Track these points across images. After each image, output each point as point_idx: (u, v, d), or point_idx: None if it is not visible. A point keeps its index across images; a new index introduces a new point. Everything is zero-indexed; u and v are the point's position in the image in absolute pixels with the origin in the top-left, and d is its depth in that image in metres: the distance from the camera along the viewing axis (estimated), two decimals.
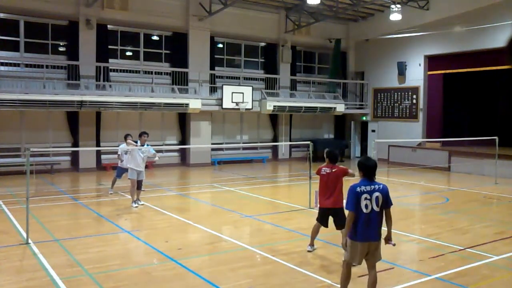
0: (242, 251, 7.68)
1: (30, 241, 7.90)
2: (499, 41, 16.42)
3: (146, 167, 18.62)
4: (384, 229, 5.36)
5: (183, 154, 20.51)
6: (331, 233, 9.02)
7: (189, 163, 19.92)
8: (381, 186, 5.36)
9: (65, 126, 18.00)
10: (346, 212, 5.41)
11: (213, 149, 20.91)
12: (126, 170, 11.96)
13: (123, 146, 12.12)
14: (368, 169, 5.44)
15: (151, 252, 7.62)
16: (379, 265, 6.92)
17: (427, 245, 8.18)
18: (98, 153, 18.22)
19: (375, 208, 5.23)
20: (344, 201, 5.60)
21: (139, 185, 11.30)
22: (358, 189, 5.28)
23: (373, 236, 5.25)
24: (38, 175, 15.65)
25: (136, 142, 11.45)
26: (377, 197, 5.25)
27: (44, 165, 17.17)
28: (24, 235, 8.09)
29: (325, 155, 7.55)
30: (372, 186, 5.34)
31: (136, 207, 11.08)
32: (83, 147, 17.34)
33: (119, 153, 12.37)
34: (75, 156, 17.83)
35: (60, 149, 17.42)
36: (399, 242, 8.57)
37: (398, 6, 19.03)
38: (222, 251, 7.89)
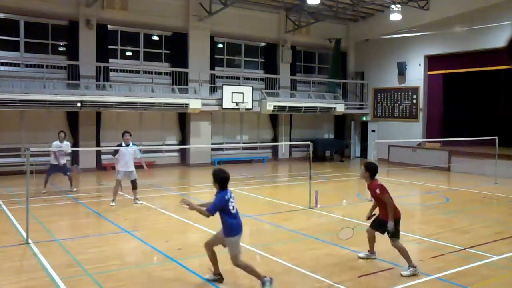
0: (242, 251, 7.67)
1: (30, 241, 7.90)
2: (499, 41, 16.41)
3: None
4: None
5: (183, 154, 20.51)
6: (331, 232, 9.02)
7: (189, 163, 19.93)
8: None
9: (65, 126, 17.96)
10: None
11: (213, 149, 20.91)
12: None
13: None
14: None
15: (151, 252, 7.62)
16: (379, 265, 6.94)
17: (427, 245, 8.17)
18: (98, 153, 18.23)
19: None
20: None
21: (134, 185, 11.41)
22: None
23: None
24: (38, 175, 15.62)
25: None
26: None
27: (44, 165, 17.13)
28: (24, 235, 8.09)
29: (371, 170, 6.99)
30: None
31: (113, 206, 11.13)
32: (83, 147, 17.34)
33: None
34: (75, 156, 17.82)
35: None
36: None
37: (398, 6, 19.03)
38: (222, 251, 7.88)
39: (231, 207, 6.09)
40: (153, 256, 7.47)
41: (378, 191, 6.78)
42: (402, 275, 6.42)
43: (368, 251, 7.29)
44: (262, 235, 9.08)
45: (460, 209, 11.60)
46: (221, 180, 6.08)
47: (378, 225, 6.95)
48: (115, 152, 11.44)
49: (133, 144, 11.60)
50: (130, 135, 11.45)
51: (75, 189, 13.37)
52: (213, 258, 6.28)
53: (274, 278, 6.00)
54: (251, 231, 9.53)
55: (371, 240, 7.21)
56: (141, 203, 11.45)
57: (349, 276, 6.50)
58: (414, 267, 6.50)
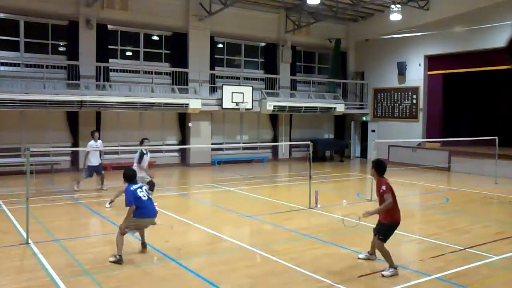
0: (242, 251, 7.68)
1: (30, 241, 7.90)
2: (499, 41, 16.41)
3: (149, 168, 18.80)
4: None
5: (183, 154, 20.51)
6: (331, 232, 9.03)
7: (189, 163, 19.93)
8: None
9: (65, 126, 18.00)
10: None
11: (213, 149, 20.91)
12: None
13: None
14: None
15: (151, 252, 7.62)
16: (379, 265, 6.94)
17: (427, 245, 8.18)
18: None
19: None
20: None
21: (152, 186, 11.42)
22: None
23: None
24: (38, 175, 15.64)
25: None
26: None
27: (44, 165, 17.17)
28: (24, 235, 8.09)
29: (378, 168, 6.93)
30: None
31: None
32: (83, 147, 17.32)
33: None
34: (75, 156, 17.83)
35: (60, 149, 17.41)
36: (400, 242, 8.58)
37: (398, 6, 19.04)
38: (222, 251, 7.89)
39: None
40: (153, 256, 7.47)
41: (384, 187, 6.69)
42: (383, 275, 6.43)
43: (368, 252, 7.26)
44: (262, 235, 9.08)
45: (460, 209, 11.60)
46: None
47: (378, 229, 6.93)
48: (141, 160, 11.27)
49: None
50: (149, 141, 11.84)
51: (105, 188, 13.37)
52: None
53: (274, 278, 6.00)
54: (251, 231, 9.53)
55: (374, 242, 7.15)
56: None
57: (349, 276, 6.50)
58: (395, 268, 6.52)
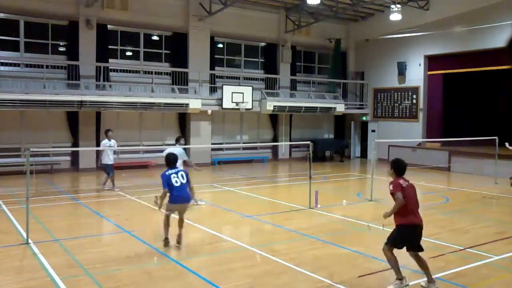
0: (242, 251, 7.68)
1: (30, 241, 7.90)
2: (499, 41, 16.40)
3: (146, 167, 18.83)
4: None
5: None
6: (331, 232, 9.03)
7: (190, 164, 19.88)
8: None
9: (65, 126, 18.00)
10: None
11: (213, 149, 20.91)
12: None
13: None
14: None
15: (151, 252, 7.62)
16: (379, 265, 6.94)
17: (427, 245, 8.11)
18: (98, 153, 18.20)
19: None
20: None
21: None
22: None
23: None
24: (38, 175, 15.64)
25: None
26: None
27: (44, 165, 17.18)
28: (24, 235, 8.09)
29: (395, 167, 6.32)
30: None
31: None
32: (83, 147, 17.35)
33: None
34: (75, 156, 17.83)
35: (60, 149, 17.42)
36: None
37: (398, 6, 19.03)
38: (222, 251, 7.89)
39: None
40: (153, 256, 7.47)
41: (391, 187, 6.06)
42: None
43: (427, 280, 6.13)
44: (262, 235, 9.08)
45: (460, 209, 11.60)
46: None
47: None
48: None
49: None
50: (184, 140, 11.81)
51: (117, 189, 13.36)
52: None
53: (274, 278, 5.99)
54: (251, 231, 9.53)
55: (419, 264, 6.22)
56: (204, 203, 11.55)
57: (349, 276, 6.50)
58: (401, 279, 6.00)
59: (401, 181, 6.15)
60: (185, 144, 19.95)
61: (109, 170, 13.32)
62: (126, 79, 18.62)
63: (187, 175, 8.01)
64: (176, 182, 7.74)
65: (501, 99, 22.83)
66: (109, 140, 13.39)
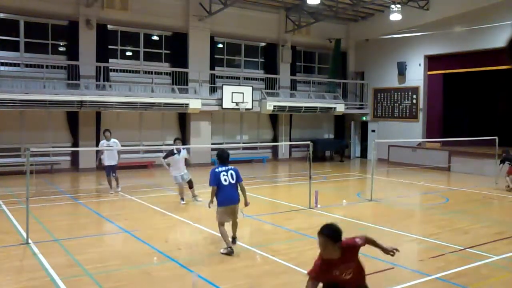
0: (242, 251, 7.67)
1: (30, 241, 7.90)
2: (499, 41, 16.41)
3: (146, 167, 18.82)
4: None
5: None
6: None
7: (189, 163, 19.87)
8: None
9: (65, 126, 18.00)
10: None
11: (213, 149, 20.89)
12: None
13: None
14: None
15: (151, 252, 7.62)
16: (379, 265, 6.94)
17: (427, 245, 8.17)
18: (97, 153, 18.20)
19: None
20: None
21: (190, 184, 11.98)
22: None
23: None
24: (38, 175, 15.64)
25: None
26: None
27: (44, 165, 17.17)
28: (24, 235, 8.09)
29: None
30: None
31: (183, 203, 11.66)
32: (83, 147, 17.34)
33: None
34: (75, 156, 17.83)
35: (60, 149, 17.42)
36: (399, 242, 8.57)
37: (398, 6, 19.04)
38: None
39: None
40: (153, 256, 7.46)
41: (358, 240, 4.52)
42: None
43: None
44: (262, 235, 9.08)
45: (460, 209, 11.59)
46: None
47: None
48: (166, 157, 11.76)
49: (183, 149, 11.97)
50: (181, 142, 11.91)
51: (119, 189, 13.20)
52: None
53: (274, 278, 5.99)
54: (251, 231, 9.53)
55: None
56: (200, 200, 11.60)
57: None
58: None
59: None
60: (184, 144, 19.99)
61: (108, 170, 13.04)
62: (126, 79, 18.62)
63: (237, 174, 7.60)
64: (225, 181, 7.40)
65: (501, 99, 22.81)
66: (108, 140, 12.95)
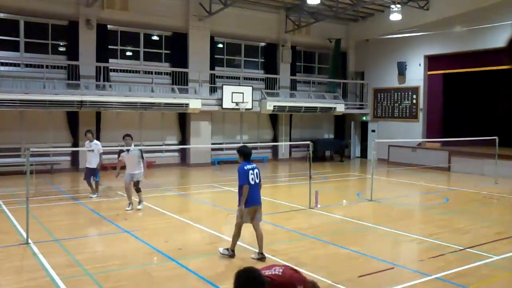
0: (242, 251, 7.67)
1: (30, 241, 7.90)
2: (499, 41, 16.41)
3: (146, 166, 18.78)
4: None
5: (183, 154, 20.51)
6: (331, 232, 9.03)
7: (189, 163, 19.93)
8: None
9: (65, 126, 18.00)
10: None
11: (213, 149, 20.91)
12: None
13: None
14: None
15: (151, 252, 7.62)
16: (379, 265, 6.94)
17: (427, 245, 8.17)
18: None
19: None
20: None
21: (136, 187, 10.99)
22: None
23: None
24: (38, 175, 15.64)
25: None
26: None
27: (44, 165, 17.17)
28: (24, 235, 8.09)
29: None
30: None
31: (128, 210, 10.73)
32: (83, 147, 17.30)
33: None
34: (75, 156, 17.83)
35: (60, 149, 17.41)
36: (400, 242, 8.58)
37: (398, 6, 19.03)
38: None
39: None
40: (153, 256, 7.46)
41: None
42: None
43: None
44: None
45: (460, 209, 11.59)
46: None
47: None
48: (118, 155, 11.18)
49: (135, 147, 11.13)
50: (132, 138, 11.03)
51: (94, 195, 12.33)
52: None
53: None
54: (251, 231, 9.51)
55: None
56: (140, 208, 10.89)
57: (349, 276, 6.50)
58: None
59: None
60: (184, 144, 20.01)
61: (86, 173, 12.30)
62: (126, 79, 18.62)
63: (259, 174, 7.15)
64: (252, 180, 6.97)
65: (501, 99, 22.79)
66: (91, 141, 12.29)
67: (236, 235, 7.15)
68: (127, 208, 10.78)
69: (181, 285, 6.26)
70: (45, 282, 6.18)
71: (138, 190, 10.97)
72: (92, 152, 12.21)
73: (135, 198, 11.09)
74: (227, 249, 7.22)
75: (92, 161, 12.22)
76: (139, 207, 10.91)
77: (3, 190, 13.38)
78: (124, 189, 11.06)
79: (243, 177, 6.92)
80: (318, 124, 24.90)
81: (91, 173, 12.28)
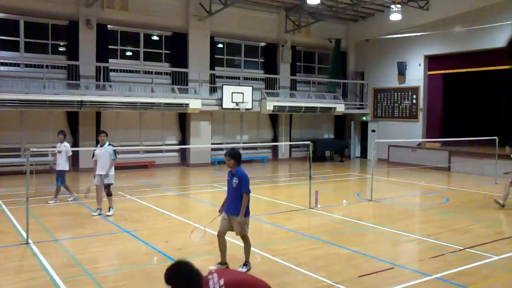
0: (242, 251, 7.67)
1: (30, 241, 7.90)
2: (499, 41, 16.41)
3: (146, 167, 18.82)
4: None
5: (183, 154, 20.51)
6: (331, 232, 9.03)
7: (189, 163, 19.92)
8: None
9: (65, 126, 17.96)
10: None
11: (213, 149, 20.91)
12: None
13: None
14: None
15: (151, 252, 7.62)
16: (379, 265, 6.94)
17: (427, 245, 8.17)
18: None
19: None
20: None
21: (107, 190, 10.49)
22: None
23: None
24: (38, 175, 15.62)
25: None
26: None
27: (44, 165, 17.14)
28: (24, 235, 8.09)
29: None
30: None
31: (94, 215, 10.23)
32: (83, 147, 17.33)
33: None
34: (75, 156, 17.78)
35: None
36: (400, 242, 8.58)
37: (398, 6, 19.04)
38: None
39: None
40: (153, 256, 7.47)
41: None
42: None
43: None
44: (262, 235, 9.07)
45: (460, 209, 11.59)
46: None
47: None
48: (93, 155, 10.63)
49: (109, 145, 10.55)
50: (106, 135, 10.61)
51: (50, 202, 11.59)
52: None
53: (274, 278, 5.99)
54: (251, 231, 9.50)
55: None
56: (110, 214, 10.18)
57: (349, 276, 6.50)
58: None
59: None
60: (184, 144, 20.02)
61: (57, 176, 11.70)
62: (126, 79, 18.62)
63: None
64: None
65: (501, 99, 22.78)
66: (61, 142, 11.67)
67: (250, 245, 6.74)
68: (94, 214, 10.19)
69: None
70: (45, 282, 6.18)
71: (109, 194, 10.39)
72: (60, 154, 11.63)
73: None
74: (243, 264, 6.67)
75: (60, 163, 11.67)
76: (109, 213, 10.23)
77: (3, 190, 13.39)
78: (95, 192, 10.42)
79: (248, 183, 6.57)
80: (318, 124, 24.90)
81: (59, 176, 11.68)
